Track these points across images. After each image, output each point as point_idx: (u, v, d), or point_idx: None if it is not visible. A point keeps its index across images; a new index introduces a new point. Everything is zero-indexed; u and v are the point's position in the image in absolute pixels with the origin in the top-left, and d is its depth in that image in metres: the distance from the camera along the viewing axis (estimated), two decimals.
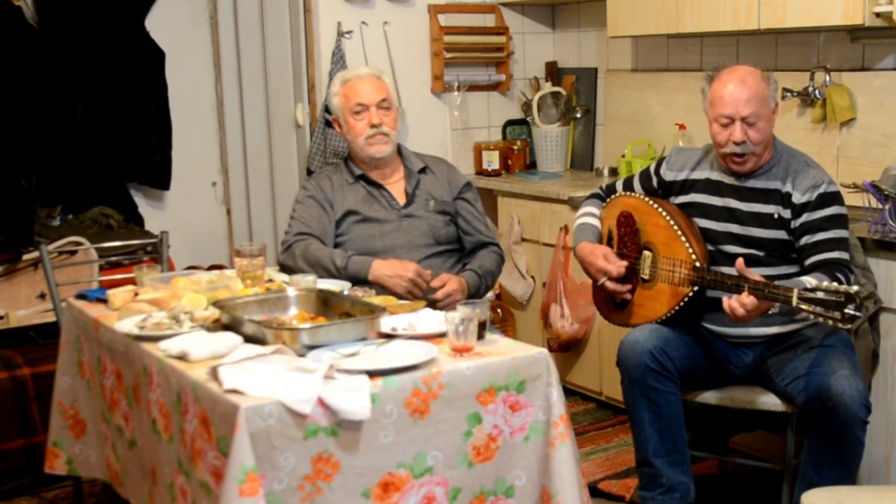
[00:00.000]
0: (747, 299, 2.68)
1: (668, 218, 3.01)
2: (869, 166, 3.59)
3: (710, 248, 3.01)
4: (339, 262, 3.19)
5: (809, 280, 2.72)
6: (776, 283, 2.69)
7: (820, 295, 2.52)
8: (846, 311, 2.49)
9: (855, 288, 2.50)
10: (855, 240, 3.08)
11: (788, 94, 3.76)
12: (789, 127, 3.79)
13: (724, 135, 2.91)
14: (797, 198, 2.91)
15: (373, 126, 3.34)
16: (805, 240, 2.89)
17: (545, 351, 2.41)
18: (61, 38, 4.51)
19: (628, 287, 3.11)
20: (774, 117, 2.97)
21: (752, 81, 2.90)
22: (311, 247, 3.25)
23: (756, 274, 2.73)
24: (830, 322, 2.52)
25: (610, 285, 3.12)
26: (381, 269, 3.17)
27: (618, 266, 3.10)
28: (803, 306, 2.55)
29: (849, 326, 2.53)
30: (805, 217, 2.90)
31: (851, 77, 3.67)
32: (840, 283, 2.72)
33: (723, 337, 3.03)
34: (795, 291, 2.58)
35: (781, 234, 2.94)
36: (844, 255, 2.86)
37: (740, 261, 2.74)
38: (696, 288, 2.91)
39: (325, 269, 3.17)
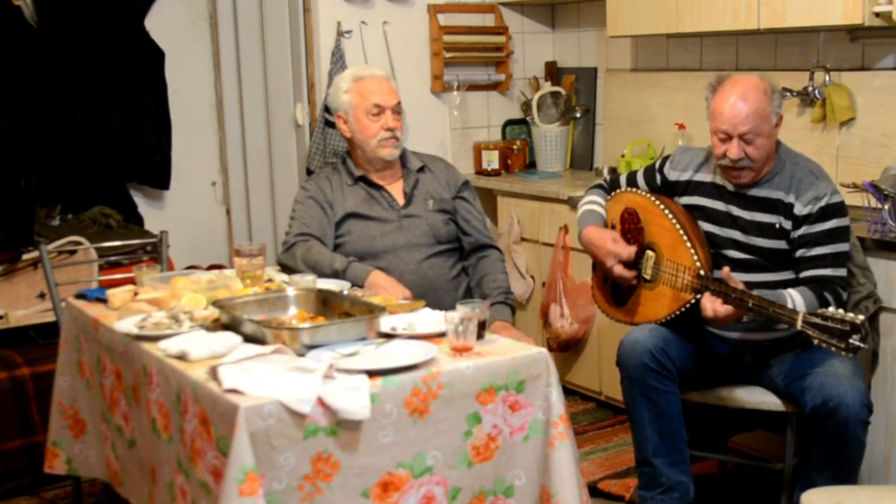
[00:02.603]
0: (721, 308, 2.75)
1: (673, 221, 3.00)
2: (868, 166, 3.59)
3: (711, 251, 3.00)
4: (339, 266, 3.17)
5: (793, 293, 2.79)
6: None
7: (826, 322, 2.52)
8: (851, 341, 2.48)
9: (861, 317, 2.49)
10: (855, 239, 3.07)
11: (788, 94, 3.76)
12: (789, 127, 3.78)
13: (722, 149, 2.90)
14: (799, 209, 2.89)
15: (388, 129, 3.33)
16: (801, 252, 2.89)
17: (545, 351, 2.41)
18: (61, 38, 4.50)
19: (635, 273, 3.10)
20: (777, 131, 2.93)
21: (754, 97, 2.85)
22: (313, 249, 3.24)
23: (746, 284, 2.77)
24: (833, 349, 2.52)
25: (619, 269, 3.10)
26: (378, 280, 3.15)
27: (628, 250, 3.09)
28: (808, 331, 2.56)
29: (852, 356, 2.52)
30: (804, 229, 2.88)
31: (851, 77, 3.67)
32: (826, 303, 2.78)
33: (723, 338, 3.03)
34: (801, 315, 2.58)
35: (783, 244, 2.93)
36: (839, 272, 2.86)
37: (726, 269, 2.79)
38: (698, 296, 2.90)
39: (324, 274, 3.15)
